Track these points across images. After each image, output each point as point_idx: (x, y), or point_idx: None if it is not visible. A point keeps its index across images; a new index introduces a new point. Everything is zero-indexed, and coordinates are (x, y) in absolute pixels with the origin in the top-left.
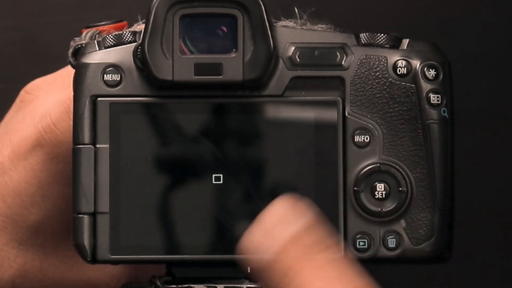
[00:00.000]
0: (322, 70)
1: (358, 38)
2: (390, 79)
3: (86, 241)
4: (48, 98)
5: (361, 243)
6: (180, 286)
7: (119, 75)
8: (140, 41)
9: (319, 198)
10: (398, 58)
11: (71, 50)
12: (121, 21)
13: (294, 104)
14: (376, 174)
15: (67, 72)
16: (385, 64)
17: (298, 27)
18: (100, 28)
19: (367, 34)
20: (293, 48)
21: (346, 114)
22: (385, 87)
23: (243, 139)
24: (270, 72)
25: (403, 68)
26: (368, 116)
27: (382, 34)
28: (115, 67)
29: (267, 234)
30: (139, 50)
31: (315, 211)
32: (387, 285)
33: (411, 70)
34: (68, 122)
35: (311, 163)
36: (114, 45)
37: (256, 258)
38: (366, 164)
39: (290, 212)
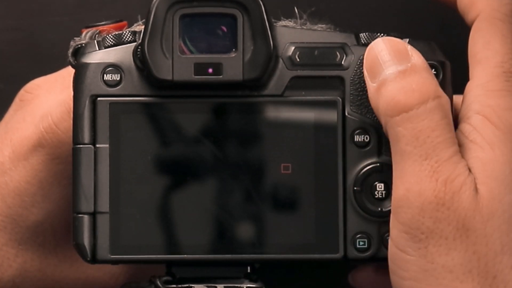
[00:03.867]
0: (322, 70)
1: (358, 38)
2: None
3: (86, 241)
4: (49, 98)
5: (361, 243)
6: (180, 286)
7: (119, 75)
8: (140, 41)
9: (319, 198)
10: None
11: (71, 50)
12: (121, 21)
13: (294, 104)
14: (375, 173)
15: (68, 72)
16: None
17: (298, 27)
18: (100, 28)
19: (367, 34)
20: (293, 48)
21: (346, 114)
22: None
23: (243, 139)
24: (270, 72)
25: None
26: (368, 116)
27: (382, 34)
28: (115, 67)
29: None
30: (139, 50)
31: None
32: (387, 285)
33: None
34: (69, 122)
35: (311, 163)
36: (114, 45)
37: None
38: (366, 164)
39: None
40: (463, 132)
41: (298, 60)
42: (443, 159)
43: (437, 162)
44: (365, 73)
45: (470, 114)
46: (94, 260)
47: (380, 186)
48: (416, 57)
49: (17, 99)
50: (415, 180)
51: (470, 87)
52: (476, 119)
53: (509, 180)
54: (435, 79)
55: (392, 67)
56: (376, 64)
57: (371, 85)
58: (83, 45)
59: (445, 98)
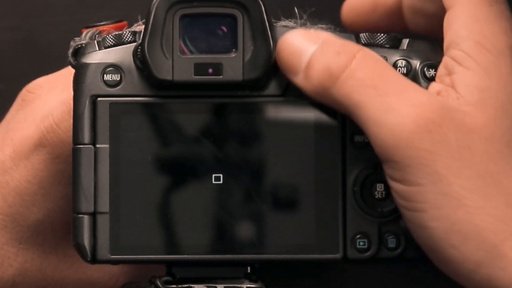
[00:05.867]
0: None
1: (358, 38)
2: None
3: (86, 241)
4: (50, 98)
5: (361, 243)
6: (180, 286)
7: (119, 75)
8: (140, 41)
9: (319, 198)
10: (398, 58)
11: (71, 50)
12: (121, 21)
13: (294, 104)
14: (375, 174)
15: (70, 72)
16: None
17: (298, 27)
18: (100, 28)
19: (367, 34)
20: None
21: None
22: None
23: (243, 139)
24: (270, 72)
25: (403, 68)
26: None
27: (382, 34)
28: (115, 67)
29: (306, 36)
30: (139, 50)
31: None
32: (387, 285)
33: (411, 69)
34: (70, 122)
35: (311, 163)
36: (114, 45)
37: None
38: (366, 164)
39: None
40: (455, 59)
41: None
42: (408, 89)
43: (404, 93)
44: (287, 73)
45: (459, 41)
46: (94, 260)
47: (379, 187)
48: (323, 33)
49: (19, 99)
50: (394, 115)
51: (454, 14)
52: (468, 45)
53: (506, 105)
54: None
55: (309, 49)
56: (294, 57)
57: (298, 78)
58: (83, 45)
59: (368, 49)
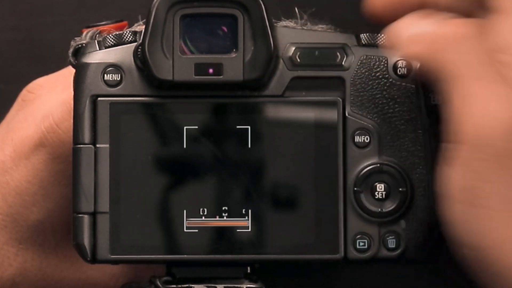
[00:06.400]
0: (323, 71)
1: (358, 39)
2: (390, 80)
3: (86, 241)
4: (51, 98)
5: (361, 244)
6: (180, 286)
7: (119, 75)
8: (141, 41)
9: (319, 198)
10: (399, 59)
11: (71, 50)
12: (121, 21)
13: (294, 104)
14: (376, 174)
15: (70, 72)
16: (386, 65)
17: (298, 27)
18: (101, 28)
19: (367, 34)
20: (293, 48)
21: (346, 114)
22: (385, 87)
23: (243, 139)
24: (271, 72)
25: (403, 69)
26: (368, 116)
27: (383, 35)
28: (116, 67)
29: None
30: (139, 50)
31: None
32: (387, 285)
33: (411, 70)
34: (70, 122)
35: (311, 163)
36: (115, 45)
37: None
38: (366, 164)
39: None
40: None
41: (298, 60)
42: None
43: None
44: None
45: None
46: (94, 260)
47: (380, 187)
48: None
49: (19, 99)
50: (496, 105)
51: (501, 19)
52: None
53: None
54: None
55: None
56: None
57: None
58: (84, 45)
59: None
